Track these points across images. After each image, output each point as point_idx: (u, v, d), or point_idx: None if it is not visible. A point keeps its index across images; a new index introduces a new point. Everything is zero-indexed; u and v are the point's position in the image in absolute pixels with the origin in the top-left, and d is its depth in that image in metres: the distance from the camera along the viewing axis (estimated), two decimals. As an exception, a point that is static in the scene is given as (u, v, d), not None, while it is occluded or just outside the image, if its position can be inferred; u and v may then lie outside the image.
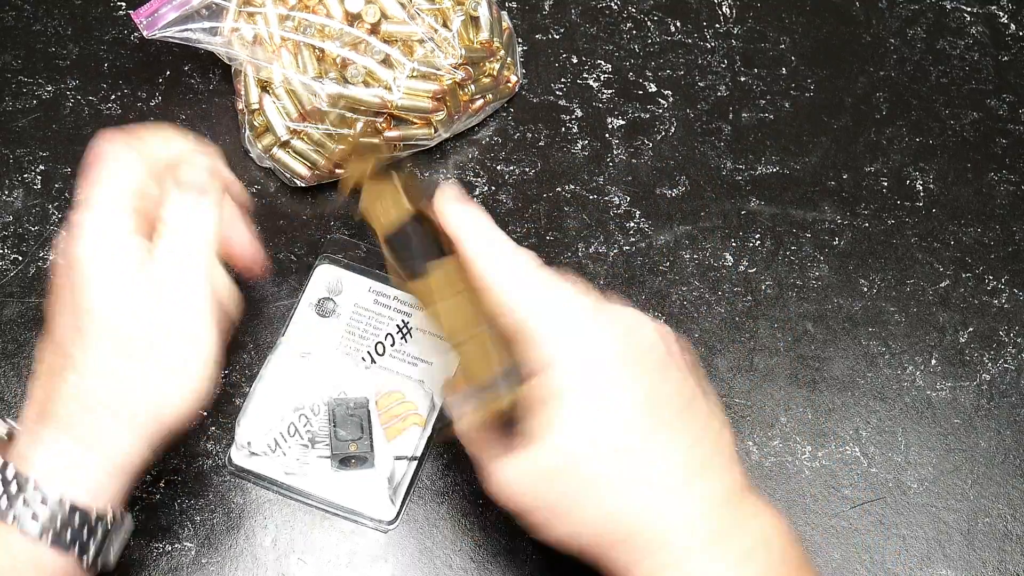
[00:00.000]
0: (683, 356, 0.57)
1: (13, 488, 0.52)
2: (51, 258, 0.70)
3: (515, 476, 0.54)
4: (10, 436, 0.57)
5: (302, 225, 0.75)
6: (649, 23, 0.83)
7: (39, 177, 0.76)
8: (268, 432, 0.68)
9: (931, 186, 0.79)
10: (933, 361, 0.74)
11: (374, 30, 0.74)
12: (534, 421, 0.54)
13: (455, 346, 0.58)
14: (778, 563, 0.53)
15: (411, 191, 0.61)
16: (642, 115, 0.80)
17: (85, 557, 0.53)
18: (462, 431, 0.58)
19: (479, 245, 0.57)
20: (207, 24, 0.73)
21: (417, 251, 0.60)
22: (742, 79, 0.81)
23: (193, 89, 0.79)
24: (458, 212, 0.58)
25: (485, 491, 0.57)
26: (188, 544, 0.66)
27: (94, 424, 0.54)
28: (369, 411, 0.68)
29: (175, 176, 0.57)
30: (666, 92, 0.81)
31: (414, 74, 0.73)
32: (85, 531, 0.53)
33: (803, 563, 0.54)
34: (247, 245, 0.61)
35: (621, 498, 0.53)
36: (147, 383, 0.55)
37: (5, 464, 0.53)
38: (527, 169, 0.78)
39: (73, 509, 0.53)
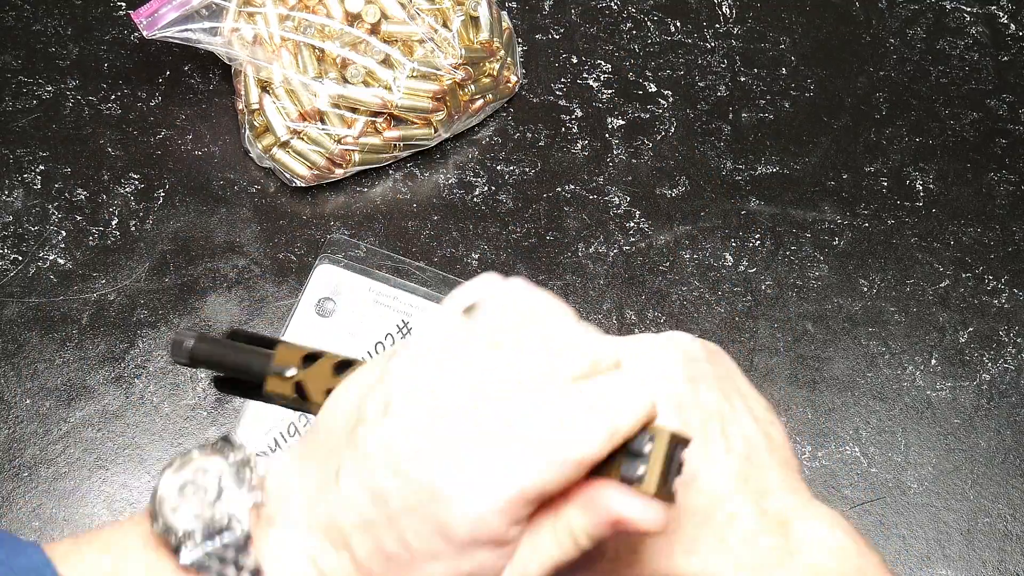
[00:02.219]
0: (730, 370, 0.49)
1: None
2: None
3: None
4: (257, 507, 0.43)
5: (302, 225, 0.75)
6: (649, 23, 0.83)
7: (39, 177, 0.76)
8: (268, 432, 0.68)
9: (931, 186, 0.79)
10: (933, 361, 0.74)
11: (374, 30, 0.74)
12: None
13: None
14: None
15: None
16: (642, 115, 0.80)
17: None
18: None
19: None
20: (207, 24, 0.73)
21: None
22: (742, 79, 0.81)
23: (193, 89, 0.79)
24: None
25: None
26: (188, 544, 0.66)
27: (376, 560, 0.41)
28: (369, 411, 0.68)
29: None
30: (666, 92, 0.81)
31: (414, 74, 0.73)
32: None
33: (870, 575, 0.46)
34: None
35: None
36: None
37: (245, 549, 0.42)
38: (527, 169, 0.78)
39: None
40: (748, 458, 0.47)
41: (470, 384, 0.40)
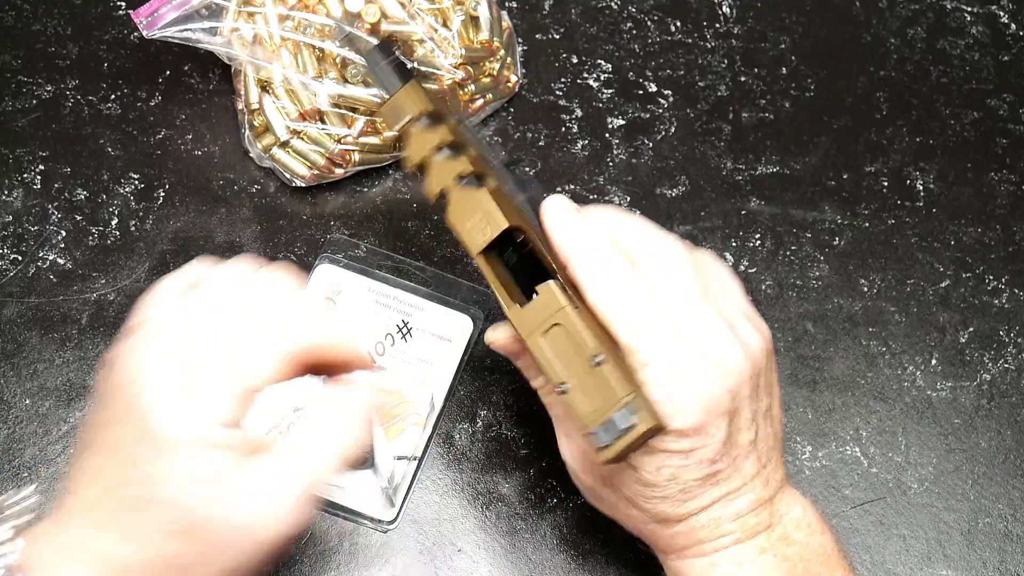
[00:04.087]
0: (772, 369, 0.57)
1: None
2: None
3: (571, 461, 0.58)
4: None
5: (302, 225, 0.75)
6: (649, 23, 0.83)
7: (39, 177, 0.76)
8: (268, 432, 0.68)
9: (931, 186, 0.79)
10: (933, 361, 0.74)
11: (374, 30, 0.73)
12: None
13: (559, 386, 0.52)
14: (804, 553, 0.56)
15: (503, 203, 0.56)
16: (642, 115, 0.80)
17: None
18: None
19: (592, 273, 0.54)
20: (207, 24, 0.73)
21: (516, 276, 0.55)
22: (742, 79, 0.81)
23: (193, 89, 0.79)
24: (569, 231, 0.55)
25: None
26: (188, 544, 0.66)
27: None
28: (369, 411, 0.68)
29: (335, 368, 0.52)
30: (666, 92, 0.81)
31: (414, 74, 0.73)
32: None
33: (830, 552, 0.57)
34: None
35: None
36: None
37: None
38: (527, 169, 0.77)
39: None
40: (777, 437, 0.58)
41: (188, 335, 0.49)
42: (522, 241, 0.57)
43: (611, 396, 0.50)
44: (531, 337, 0.53)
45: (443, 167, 0.57)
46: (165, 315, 0.50)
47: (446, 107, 0.59)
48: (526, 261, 0.57)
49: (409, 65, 0.73)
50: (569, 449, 0.58)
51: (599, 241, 0.55)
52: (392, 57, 0.63)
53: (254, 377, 0.49)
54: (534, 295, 0.53)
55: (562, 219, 0.56)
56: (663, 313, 0.53)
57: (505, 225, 0.54)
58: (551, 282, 0.53)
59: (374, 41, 0.65)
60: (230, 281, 0.51)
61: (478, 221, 0.55)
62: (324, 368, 0.52)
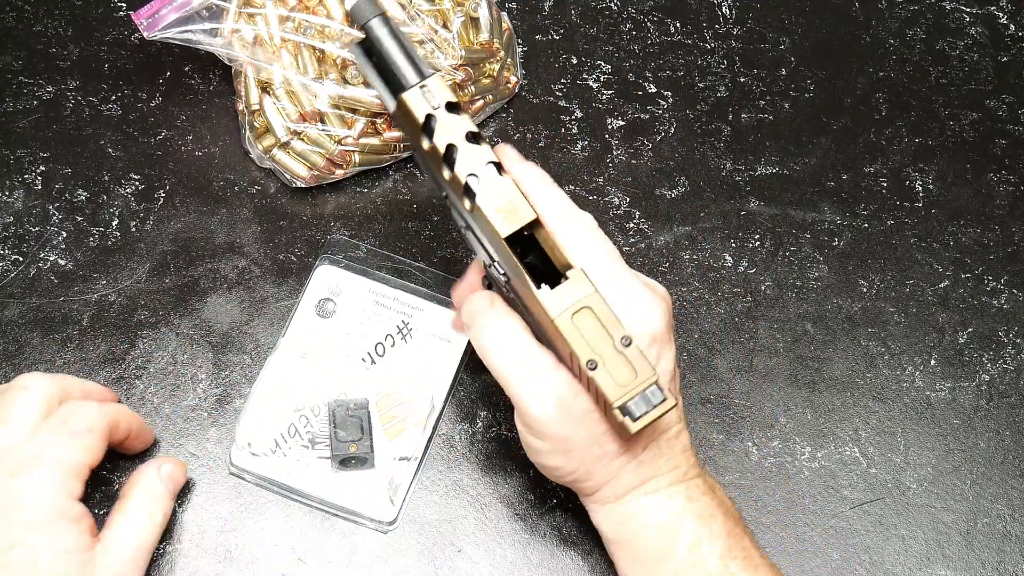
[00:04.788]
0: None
1: None
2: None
3: (549, 411, 0.58)
4: None
5: (302, 225, 0.75)
6: (649, 24, 0.83)
7: (39, 178, 0.76)
8: (269, 433, 0.68)
9: (930, 186, 0.79)
10: (932, 361, 0.74)
11: (374, 31, 0.74)
12: None
13: (589, 363, 0.56)
14: (726, 504, 0.61)
15: (525, 194, 0.58)
16: (642, 115, 0.80)
17: None
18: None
19: (548, 206, 0.60)
20: (207, 25, 0.73)
21: (543, 260, 0.58)
22: (742, 79, 0.82)
23: (193, 90, 0.79)
24: (526, 171, 0.61)
25: (524, 413, 0.58)
26: (188, 544, 0.67)
27: None
28: (369, 412, 0.68)
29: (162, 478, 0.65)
30: (666, 93, 0.81)
31: (414, 75, 0.73)
32: None
33: (737, 514, 0.62)
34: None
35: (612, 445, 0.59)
36: None
37: None
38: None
39: None
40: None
41: None
42: (527, 237, 0.59)
43: (640, 375, 0.55)
44: (561, 317, 0.56)
45: (470, 152, 0.58)
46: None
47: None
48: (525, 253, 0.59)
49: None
50: (540, 403, 0.58)
51: (547, 180, 0.62)
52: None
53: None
54: (563, 280, 0.57)
55: (517, 162, 0.62)
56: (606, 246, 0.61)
57: (533, 216, 0.57)
58: (580, 268, 0.56)
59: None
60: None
61: (505, 207, 0.57)
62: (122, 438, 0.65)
